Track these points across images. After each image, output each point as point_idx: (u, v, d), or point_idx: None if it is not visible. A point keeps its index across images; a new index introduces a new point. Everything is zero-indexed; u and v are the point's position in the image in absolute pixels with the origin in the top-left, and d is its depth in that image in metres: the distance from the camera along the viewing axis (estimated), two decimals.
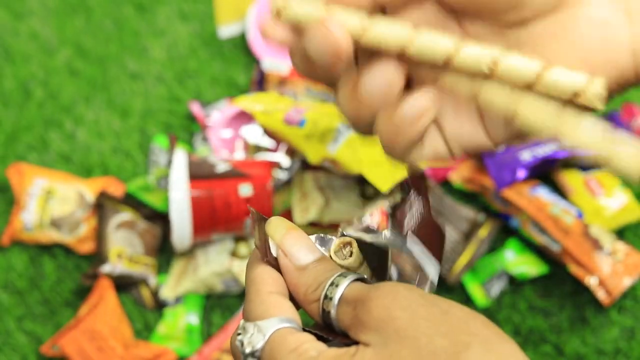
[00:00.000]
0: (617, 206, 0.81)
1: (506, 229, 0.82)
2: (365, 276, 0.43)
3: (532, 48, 0.38)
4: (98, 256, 0.80)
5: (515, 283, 0.81)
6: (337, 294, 0.40)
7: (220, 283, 0.79)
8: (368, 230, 0.46)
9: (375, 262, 0.45)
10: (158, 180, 0.85)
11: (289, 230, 0.44)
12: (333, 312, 0.40)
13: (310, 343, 0.39)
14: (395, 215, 0.46)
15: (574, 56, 0.38)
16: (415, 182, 0.45)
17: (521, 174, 0.80)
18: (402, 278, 0.45)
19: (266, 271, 0.43)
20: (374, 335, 0.38)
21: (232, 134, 0.85)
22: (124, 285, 0.80)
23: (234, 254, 0.80)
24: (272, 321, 0.41)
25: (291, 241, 0.43)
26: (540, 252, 0.81)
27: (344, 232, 0.46)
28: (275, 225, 0.44)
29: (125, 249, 0.80)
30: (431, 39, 0.37)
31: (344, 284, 0.41)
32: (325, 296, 0.41)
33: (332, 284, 0.41)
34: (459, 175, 0.83)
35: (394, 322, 0.37)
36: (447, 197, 0.81)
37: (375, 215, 0.73)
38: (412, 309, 0.37)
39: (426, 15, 0.39)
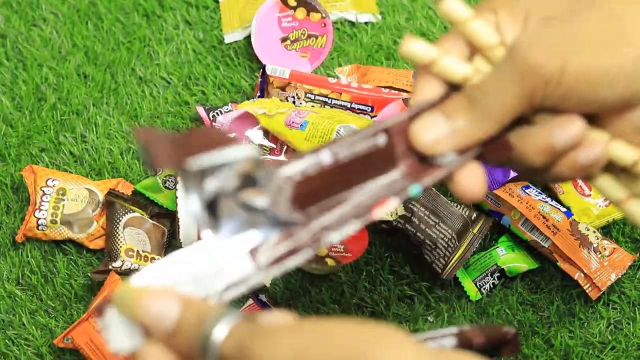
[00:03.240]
0: (603, 205, 0.83)
1: (498, 226, 0.84)
2: (236, 315, 0.38)
3: None
4: (108, 253, 0.82)
5: (506, 278, 0.83)
6: (212, 356, 0.36)
7: None
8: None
9: None
10: (165, 180, 0.86)
11: (137, 301, 0.38)
12: None
13: None
14: None
15: None
16: None
17: (513, 174, 0.82)
18: None
19: (144, 354, 0.39)
20: None
21: (237, 136, 0.87)
22: None
23: None
24: None
25: (145, 310, 0.38)
26: (531, 249, 0.83)
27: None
28: (122, 302, 0.38)
29: (134, 246, 0.82)
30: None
31: (213, 343, 0.36)
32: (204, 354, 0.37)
33: (203, 344, 0.37)
34: None
35: None
36: (441, 197, 0.82)
37: None
38: None
39: None
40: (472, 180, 0.45)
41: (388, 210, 0.44)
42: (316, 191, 0.44)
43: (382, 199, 0.44)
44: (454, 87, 0.46)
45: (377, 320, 0.37)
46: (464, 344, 0.46)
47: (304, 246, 0.42)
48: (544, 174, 0.46)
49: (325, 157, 0.44)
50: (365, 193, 0.44)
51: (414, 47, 0.45)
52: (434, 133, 0.44)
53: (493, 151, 0.45)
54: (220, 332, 0.36)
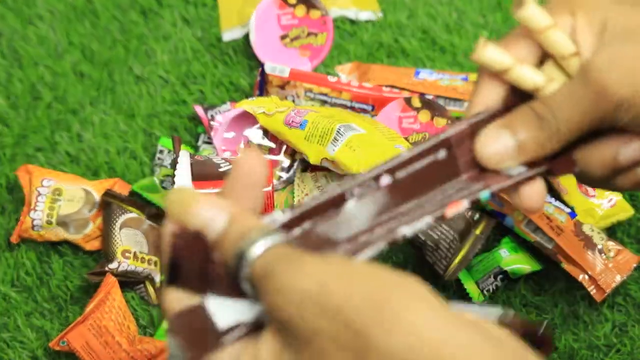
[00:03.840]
0: (608, 205, 0.82)
1: (501, 227, 0.83)
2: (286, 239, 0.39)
3: None
4: (104, 254, 0.81)
5: (509, 280, 0.82)
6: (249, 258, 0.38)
7: None
8: None
9: None
10: (163, 180, 0.86)
11: (187, 207, 0.39)
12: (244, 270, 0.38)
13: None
14: None
15: None
16: None
17: None
18: None
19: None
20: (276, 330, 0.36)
21: (235, 135, 0.86)
22: (130, 282, 0.81)
23: None
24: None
25: (193, 217, 0.39)
26: (534, 250, 0.82)
27: None
28: (174, 205, 0.39)
29: (130, 247, 0.81)
30: None
31: (246, 260, 0.38)
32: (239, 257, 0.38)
33: (237, 260, 0.38)
34: None
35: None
36: None
37: None
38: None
39: None
40: (534, 193, 0.45)
41: (459, 210, 0.44)
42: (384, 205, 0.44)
43: (455, 200, 0.44)
44: (516, 93, 0.46)
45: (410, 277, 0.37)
46: None
47: (377, 240, 0.42)
48: (604, 184, 0.47)
49: (385, 180, 0.44)
50: (433, 201, 0.45)
51: (489, 54, 0.44)
52: (499, 147, 0.44)
53: (558, 166, 0.46)
54: (255, 251, 0.38)
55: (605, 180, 0.46)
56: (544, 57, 0.46)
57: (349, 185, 0.43)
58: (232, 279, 0.39)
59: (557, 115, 0.43)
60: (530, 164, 0.45)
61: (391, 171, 0.44)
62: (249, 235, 0.38)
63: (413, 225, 0.43)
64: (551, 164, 0.45)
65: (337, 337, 0.34)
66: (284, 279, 0.35)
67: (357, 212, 0.43)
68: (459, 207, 0.44)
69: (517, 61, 0.45)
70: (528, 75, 0.45)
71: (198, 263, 0.40)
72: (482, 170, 0.45)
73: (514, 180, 0.45)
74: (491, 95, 0.45)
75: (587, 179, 0.47)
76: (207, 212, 0.39)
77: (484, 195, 0.44)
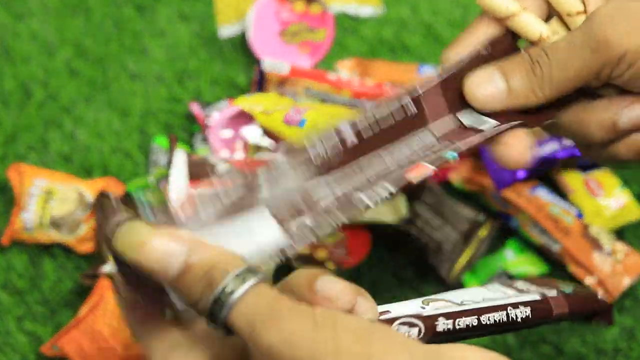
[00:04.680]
0: (616, 206, 0.81)
1: (506, 229, 0.82)
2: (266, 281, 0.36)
3: None
4: (98, 256, 0.80)
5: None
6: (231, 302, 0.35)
7: None
8: None
9: None
10: (158, 180, 0.85)
11: (138, 248, 0.37)
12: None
13: None
14: None
15: None
16: None
17: (521, 174, 0.81)
18: None
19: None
20: None
21: (232, 134, 0.85)
22: None
23: None
24: None
25: (146, 257, 0.36)
26: (540, 252, 0.81)
27: None
28: (123, 249, 0.37)
29: None
30: None
31: (224, 311, 0.35)
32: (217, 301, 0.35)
33: (212, 307, 0.35)
34: (458, 175, 0.83)
35: None
36: (447, 197, 0.81)
37: None
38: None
39: None
40: (518, 144, 0.44)
41: (423, 175, 0.42)
42: (341, 161, 0.42)
43: (417, 163, 0.42)
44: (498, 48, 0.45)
45: (387, 327, 0.36)
46: (541, 314, 0.45)
47: (333, 208, 0.40)
48: (601, 151, 0.46)
49: (349, 140, 0.43)
50: (396, 157, 0.43)
51: None
52: (490, 89, 0.43)
53: (532, 118, 0.45)
54: (232, 299, 0.35)
55: (603, 147, 0.46)
56: (549, 15, 0.46)
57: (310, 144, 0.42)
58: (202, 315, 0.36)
59: (553, 60, 0.43)
60: (503, 118, 0.44)
61: (354, 122, 0.43)
62: (222, 275, 0.35)
63: (371, 193, 0.41)
64: (526, 116, 0.45)
65: None
66: (268, 342, 0.34)
67: (321, 182, 0.42)
68: (421, 170, 0.42)
69: (522, 9, 0.45)
70: (534, 23, 0.45)
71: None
72: (450, 124, 0.45)
73: (483, 135, 0.43)
74: (485, 38, 0.45)
75: (585, 145, 0.46)
76: (163, 246, 0.36)
77: (451, 155, 0.43)
